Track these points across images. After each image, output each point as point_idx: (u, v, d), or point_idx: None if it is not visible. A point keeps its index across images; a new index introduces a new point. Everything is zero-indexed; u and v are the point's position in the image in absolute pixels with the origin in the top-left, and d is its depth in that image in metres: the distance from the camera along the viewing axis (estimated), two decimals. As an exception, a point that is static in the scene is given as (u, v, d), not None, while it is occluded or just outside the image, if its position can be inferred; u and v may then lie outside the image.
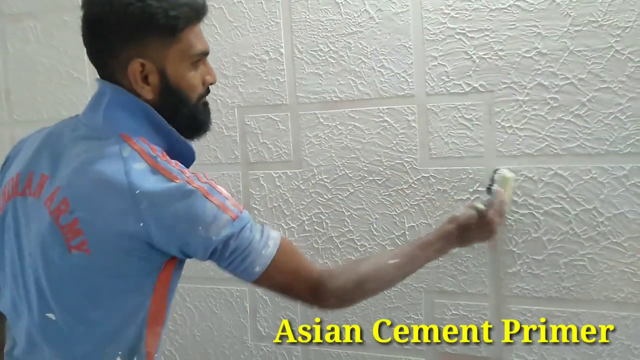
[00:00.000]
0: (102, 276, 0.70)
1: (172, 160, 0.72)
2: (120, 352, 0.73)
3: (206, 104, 0.80)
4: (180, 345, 1.31)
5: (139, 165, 0.69)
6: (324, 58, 1.13)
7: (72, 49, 1.33)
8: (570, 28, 0.95)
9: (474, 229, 0.90)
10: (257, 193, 1.20)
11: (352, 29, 1.10)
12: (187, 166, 0.74)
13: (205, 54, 0.77)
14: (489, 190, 0.96)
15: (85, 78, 1.33)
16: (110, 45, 0.71)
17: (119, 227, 0.67)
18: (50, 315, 0.72)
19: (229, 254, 0.71)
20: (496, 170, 0.99)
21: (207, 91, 0.79)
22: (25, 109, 1.40)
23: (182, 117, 0.76)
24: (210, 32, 1.20)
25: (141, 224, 0.67)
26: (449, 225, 0.90)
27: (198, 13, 0.74)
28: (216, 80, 0.80)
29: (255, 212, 1.20)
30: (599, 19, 0.94)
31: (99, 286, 0.70)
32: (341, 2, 1.10)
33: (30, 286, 0.73)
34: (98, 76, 0.76)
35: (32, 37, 1.38)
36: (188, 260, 0.74)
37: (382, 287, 0.84)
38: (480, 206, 0.91)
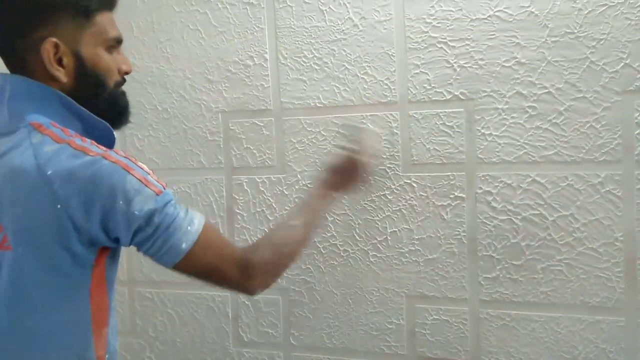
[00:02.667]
0: (31, 275, 0.66)
1: (87, 139, 0.69)
2: None
3: (124, 92, 0.79)
4: (160, 352, 1.30)
5: (50, 147, 0.66)
6: (308, 64, 1.13)
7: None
8: (548, 39, 0.98)
9: (345, 172, 0.94)
10: (241, 198, 1.20)
11: (336, 36, 1.11)
12: (108, 148, 0.71)
13: (119, 41, 0.77)
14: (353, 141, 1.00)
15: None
16: (21, 24, 0.68)
17: (37, 215, 0.65)
18: None
19: (152, 231, 0.68)
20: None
21: (124, 80, 0.79)
22: None
23: (102, 102, 0.74)
24: (194, 37, 1.20)
25: (58, 206, 0.64)
26: (322, 173, 0.95)
27: (111, 1, 0.75)
28: (132, 70, 0.80)
29: (239, 217, 1.20)
30: (575, 31, 0.97)
31: (30, 287, 0.67)
32: (325, 10, 1.11)
33: None
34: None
35: None
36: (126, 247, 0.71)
37: (298, 248, 0.84)
38: (344, 145, 0.96)
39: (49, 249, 0.66)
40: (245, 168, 1.20)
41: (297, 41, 1.14)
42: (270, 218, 1.18)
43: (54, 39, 0.69)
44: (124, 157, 0.69)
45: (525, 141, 1.01)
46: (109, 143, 0.73)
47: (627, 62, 0.94)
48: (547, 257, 1.01)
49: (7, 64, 0.73)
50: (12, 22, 0.69)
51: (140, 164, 0.70)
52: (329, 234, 1.14)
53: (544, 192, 1.00)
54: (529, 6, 0.98)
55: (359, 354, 1.14)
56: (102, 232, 0.67)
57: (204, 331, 1.25)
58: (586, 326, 1.00)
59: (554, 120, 0.99)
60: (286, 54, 1.15)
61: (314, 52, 1.13)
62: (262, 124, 1.18)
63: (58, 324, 0.69)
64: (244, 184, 1.20)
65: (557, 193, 1.00)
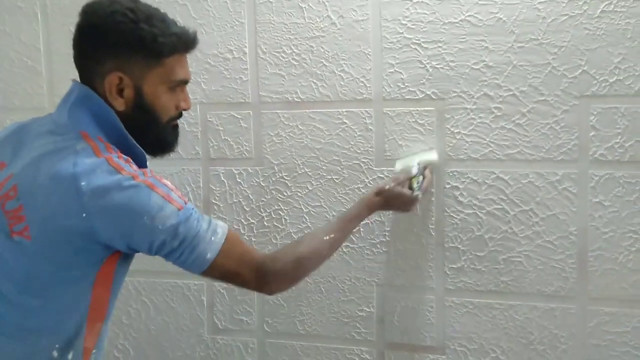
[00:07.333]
0: (41, 264, 0.72)
1: (124, 156, 0.75)
2: (57, 346, 0.75)
3: (176, 126, 0.85)
4: (134, 339, 1.31)
5: (89, 159, 0.71)
6: (286, 60, 1.16)
7: (26, 36, 1.29)
8: (514, 44, 1.04)
9: (398, 203, 0.99)
10: (218, 189, 1.22)
11: (314, 33, 1.14)
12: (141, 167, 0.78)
13: (185, 82, 0.82)
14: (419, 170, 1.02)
15: (40, 67, 1.30)
16: (97, 54, 0.76)
17: (62, 217, 0.70)
18: None
19: (178, 244, 0.73)
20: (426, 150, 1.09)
21: (179, 115, 0.84)
22: (-27, 95, 1.34)
23: (150, 135, 0.80)
24: (173, 27, 1.21)
25: (84, 215, 0.69)
26: (376, 197, 0.98)
27: (186, 45, 0.79)
28: (190, 107, 0.84)
29: (215, 207, 1.22)
30: (539, 38, 1.03)
31: (38, 274, 0.72)
32: (305, 7, 1.14)
33: None
34: (74, 78, 0.80)
35: (-18, 22, 1.33)
36: (145, 254, 0.76)
37: (320, 262, 0.90)
38: (417, 193, 0.99)
39: (64, 248, 0.71)
40: (223, 159, 1.22)
41: (276, 36, 1.16)
42: (247, 209, 1.20)
43: (120, 74, 0.75)
44: (151, 176, 0.74)
45: (491, 140, 1.07)
46: (143, 165, 0.80)
47: (584, 68, 1.01)
48: (508, 249, 1.08)
49: (80, 76, 0.79)
50: (93, 51, 0.76)
51: (164, 181, 0.75)
52: (304, 225, 1.18)
53: (506, 188, 1.07)
54: (497, 12, 1.04)
55: (330, 340, 1.19)
56: (123, 243, 0.73)
57: (178, 319, 1.27)
58: (541, 313, 1.07)
59: (517, 121, 1.05)
60: (265, 48, 1.17)
61: (292, 48, 1.16)
62: (240, 117, 1.20)
63: (57, 308, 0.74)
64: (221, 175, 1.22)
65: (518, 189, 1.07)
